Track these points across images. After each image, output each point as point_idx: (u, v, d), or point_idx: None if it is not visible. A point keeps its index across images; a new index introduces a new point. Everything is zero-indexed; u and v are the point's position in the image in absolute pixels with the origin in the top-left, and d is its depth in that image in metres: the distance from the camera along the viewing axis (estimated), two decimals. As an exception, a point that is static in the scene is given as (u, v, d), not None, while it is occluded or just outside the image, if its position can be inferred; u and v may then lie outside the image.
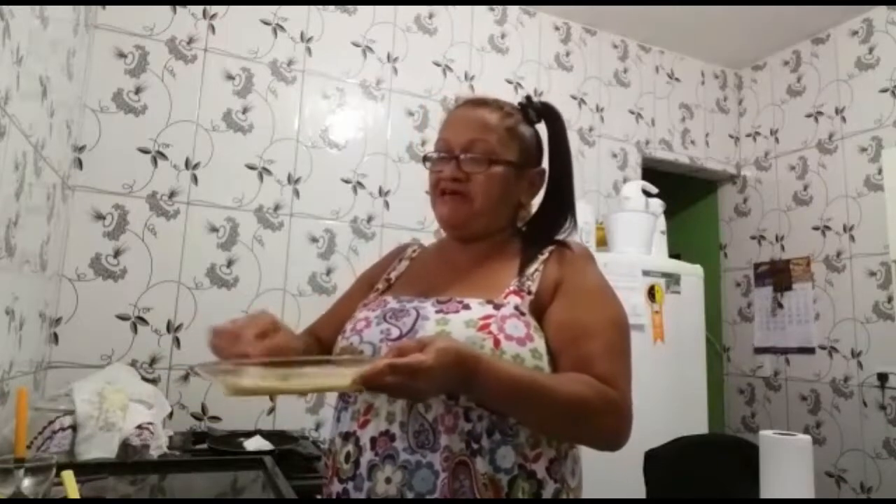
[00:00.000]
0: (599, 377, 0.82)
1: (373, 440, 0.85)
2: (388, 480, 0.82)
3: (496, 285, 0.93)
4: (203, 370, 0.78)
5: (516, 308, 0.88)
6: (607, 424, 0.83)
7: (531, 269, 0.94)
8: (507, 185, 0.98)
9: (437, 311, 0.89)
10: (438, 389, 0.77)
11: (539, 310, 0.90)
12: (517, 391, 0.78)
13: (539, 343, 0.87)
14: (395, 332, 0.90)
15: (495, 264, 0.98)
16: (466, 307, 0.88)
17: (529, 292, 0.91)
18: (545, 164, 1.06)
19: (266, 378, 0.74)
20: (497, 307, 0.88)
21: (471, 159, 0.96)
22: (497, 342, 0.83)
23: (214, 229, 2.24)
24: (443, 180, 0.97)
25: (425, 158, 1.03)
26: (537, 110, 1.04)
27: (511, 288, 0.92)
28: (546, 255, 0.96)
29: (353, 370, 0.70)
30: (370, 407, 0.87)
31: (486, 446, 0.82)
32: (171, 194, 2.19)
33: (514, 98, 1.01)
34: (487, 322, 0.85)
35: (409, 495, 0.81)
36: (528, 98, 1.05)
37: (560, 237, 1.02)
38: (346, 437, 0.89)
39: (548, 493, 0.84)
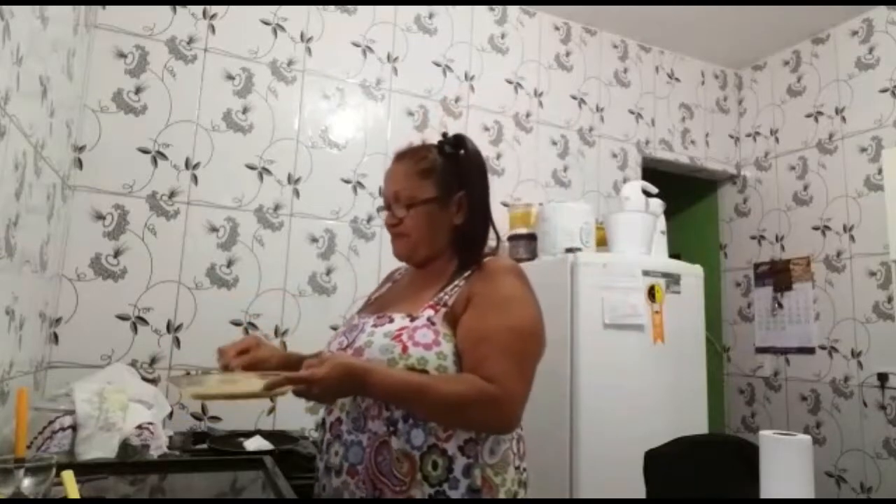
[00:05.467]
0: (486, 376, 0.99)
1: (331, 424, 1.11)
2: (335, 454, 1.08)
3: (422, 301, 1.12)
4: (173, 381, 1.06)
5: (428, 319, 1.08)
6: (485, 416, 1.00)
7: (451, 286, 1.12)
8: (431, 218, 1.17)
9: (372, 325, 1.11)
10: (335, 394, 1.02)
11: (454, 319, 1.08)
12: (402, 393, 0.99)
13: (446, 347, 1.05)
14: (344, 343, 1.14)
15: (431, 284, 1.16)
16: (391, 320, 1.09)
17: (445, 305, 1.10)
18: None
19: (207, 387, 1.02)
20: (413, 319, 1.08)
21: (398, 206, 1.18)
22: (405, 348, 1.04)
23: (214, 229, 2.24)
24: (387, 225, 1.22)
25: (379, 210, 1.24)
26: (450, 143, 1.21)
27: (429, 302, 1.11)
28: (469, 272, 1.13)
29: (264, 380, 0.93)
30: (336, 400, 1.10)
31: (402, 429, 1.03)
32: (171, 194, 2.19)
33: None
34: (401, 332, 1.06)
35: (346, 465, 1.05)
36: (444, 135, 1.24)
37: (487, 249, 1.19)
38: (322, 424, 1.15)
39: (458, 466, 1.02)
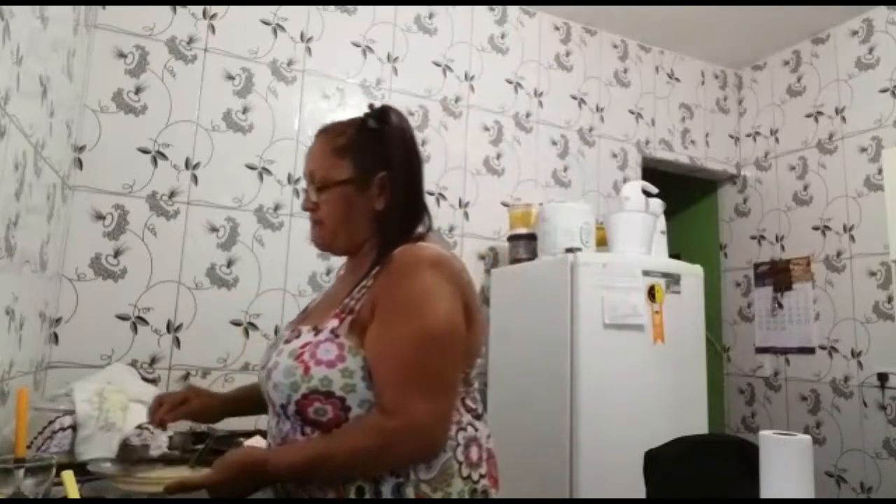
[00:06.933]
0: (389, 409, 0.89)
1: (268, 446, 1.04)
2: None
3: (333, 308, 0.99)
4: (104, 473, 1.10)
5: (332, 331, 0.94)
6: (399, 455, 0.89)
7: (358, 288, 0.98)
8: (348, 202, 1.04)
9: (284, 342, 0.98)
10: (241, 493, 0.88)
11: (362, 327, 0.94)
12: (305, 469, 0.89)
13: (351, 362, 0.92)
14: (265, 361, 1.01)
15: (349, 283, 1.04)
16: (298, 335, 0.97)
17: (351, 312, 0.96)
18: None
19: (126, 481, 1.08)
20: (317, 332, 0.95)
21: (313, 189, 1.06)
22: (307, 369, 0.92)
23: (214, 229, 2.24)
24: (304, 210, 1.10)
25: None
26: (374, 116, 1.06)
27: (336, 310, 0.97)
28: (378, 269, 0.98)
29: (169, 481, 0.90)
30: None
31: None
32: (171, 194, 2.19)
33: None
34: (304, 350, 0.94)
35: (283, 494, 0.95)
36: (370, 106, 1.09)
37: (419, 232, 1.05)
38: None
39: (387, 487, 0.90)
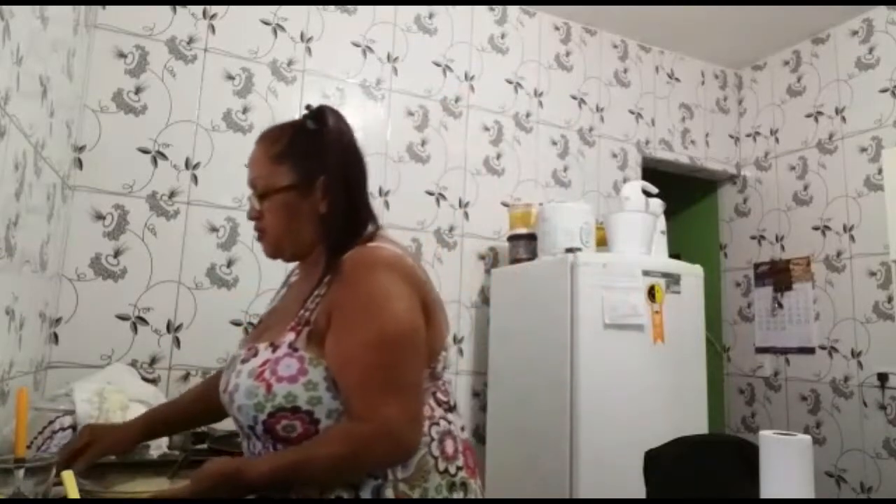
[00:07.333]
0: (357, 415, 0.88)
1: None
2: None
3: (290, 320, 0.97)
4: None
5: (290, 346, 0.93)
6: (373, 459, 0.88)
7: (312, 298, 0.97)
8: (291, 209, 1.03)
9: (241, 361, 0.96)
10: (222, 495, 0.86)
11: (320, 337, 0.93)
12: (281, 477, 0.86)
13: (314, 373, 0.90)
14: (224, 384, 0.98)
15: (303, 292, 1.01)
16: (255, 353, 0.94)
17: (308, 323, 0.94)
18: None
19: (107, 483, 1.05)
20: (275, 349, 0.93)
21: (255, 197, 1.07)
22: (269, 387, 0.90)
23: (214, 229, 2.24)
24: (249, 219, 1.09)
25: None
26: (312, 117, 1.05)
27: (291, 323, 0.95)
28: (330, 276, 0.96)
29: (154, 490, 0.94)
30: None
31: None
32: (171, 194, 2.19)
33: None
34: (263, 368, 0.92)
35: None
36: (307, 107, 1.09)
37: (369, 232, 1.03)
38: None
39: (367, 488, 0.90)
